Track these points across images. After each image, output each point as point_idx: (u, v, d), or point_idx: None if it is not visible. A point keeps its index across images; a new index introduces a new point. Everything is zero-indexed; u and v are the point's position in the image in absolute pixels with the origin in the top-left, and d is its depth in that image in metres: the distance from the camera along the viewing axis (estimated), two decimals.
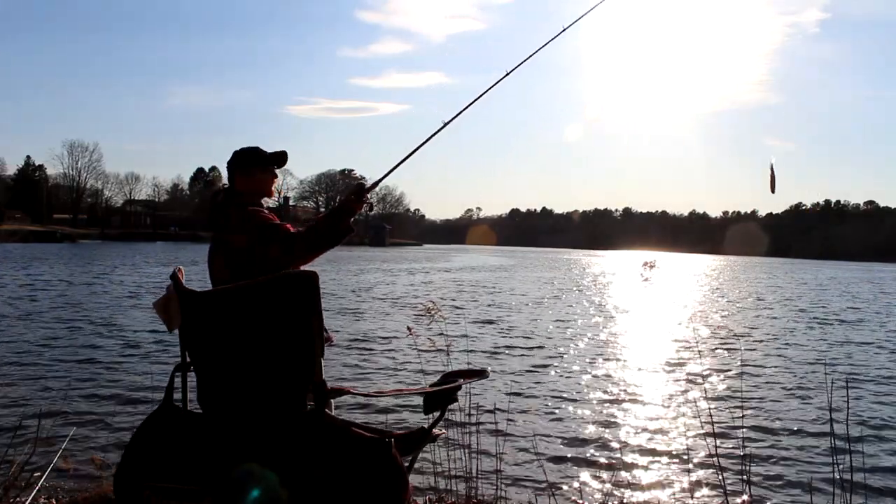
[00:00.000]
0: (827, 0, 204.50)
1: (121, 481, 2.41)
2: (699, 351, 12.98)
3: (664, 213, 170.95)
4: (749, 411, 8.22)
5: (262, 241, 2.65)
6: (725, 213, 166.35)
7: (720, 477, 4.22)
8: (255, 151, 2.96)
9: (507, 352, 12.36)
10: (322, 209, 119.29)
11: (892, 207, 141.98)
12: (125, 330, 13.23)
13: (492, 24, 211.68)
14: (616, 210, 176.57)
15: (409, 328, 4.81)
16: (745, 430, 7.19)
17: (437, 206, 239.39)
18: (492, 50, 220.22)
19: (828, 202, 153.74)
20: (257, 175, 2.92)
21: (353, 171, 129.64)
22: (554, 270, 49.68)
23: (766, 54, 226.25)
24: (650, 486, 5.75)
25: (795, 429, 7.66)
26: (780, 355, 12.96)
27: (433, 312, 4.51)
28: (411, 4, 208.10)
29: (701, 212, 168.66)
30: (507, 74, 3.49)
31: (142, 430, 2.49)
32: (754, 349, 13.56)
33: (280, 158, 2.98)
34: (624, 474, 5.99)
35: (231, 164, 2.94)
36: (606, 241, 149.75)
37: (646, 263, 46.32)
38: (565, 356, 12.08)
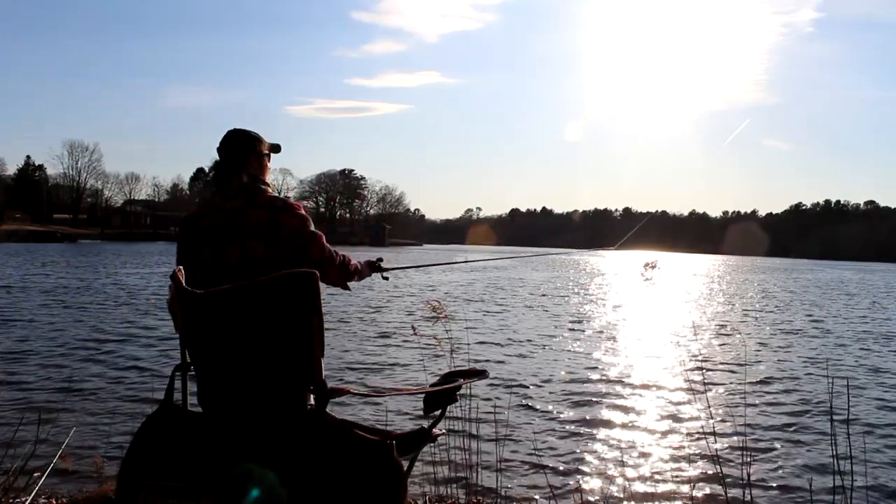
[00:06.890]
0: (820, 0, 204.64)
1: (123, 482, 2.41)
2: (702, 352, 12.97)
3: (664, 213, 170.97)
4: (750, 412, 8.21)
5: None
6: (725, 213, 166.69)
7: (721, 477, 4.22)
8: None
9: (508, 352, 12.36)
10: (322, 209, 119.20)
11: (892, 207, 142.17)
12: (125, 330, 13.22)
13: (486, 23, 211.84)
14: (616, 210, 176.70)
15: (413, 328, 4.80)
16: (745, 429, 7.18)
17: (437, 206, 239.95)
18: (486, 49, 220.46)
19: (828, 202, 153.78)
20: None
21: (352, 170, 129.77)
22: (556, 270, 49.66)
23: (761, 54, 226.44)
24: (651, 487, 5.75)
25: (797, 431, 7.65)
26: (783, 357, 12.94)
27: (438, 311, 4.48)
28: (405, 4, 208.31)
29: (701, 212, 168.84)
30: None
31: (143, 430, 2.49)
32: (758, 351, 13.54)
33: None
34: (625, 474, 5.98)
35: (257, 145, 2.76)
36: (606, 241, 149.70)
37: (647, 264, 45.77)
38: (566, 357, 12.07)
